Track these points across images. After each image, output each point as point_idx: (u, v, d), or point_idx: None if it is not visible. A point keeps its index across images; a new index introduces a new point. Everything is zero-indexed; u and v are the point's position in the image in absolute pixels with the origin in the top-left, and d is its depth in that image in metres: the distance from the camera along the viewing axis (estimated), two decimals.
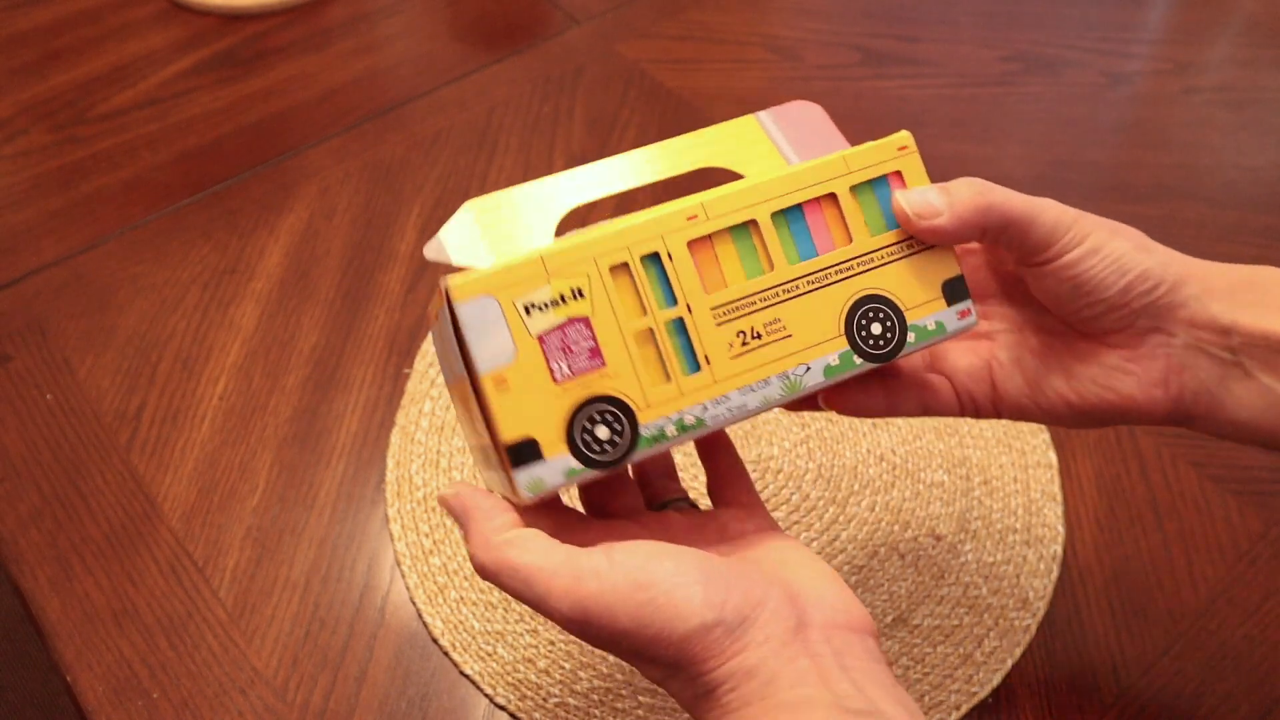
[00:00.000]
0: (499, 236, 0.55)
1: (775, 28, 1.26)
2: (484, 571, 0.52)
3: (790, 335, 0.56)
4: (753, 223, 0.57)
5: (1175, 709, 0.76)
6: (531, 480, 0.52)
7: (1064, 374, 0.63)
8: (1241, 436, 0.61)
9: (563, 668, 0.76)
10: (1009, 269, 0.65)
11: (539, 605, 0.51)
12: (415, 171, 1.08)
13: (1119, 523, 0.84)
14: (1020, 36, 1.25)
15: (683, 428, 0.54)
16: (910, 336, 0.58)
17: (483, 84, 1.18)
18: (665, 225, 0.55)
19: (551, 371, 0.53)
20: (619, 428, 0.53)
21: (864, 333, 0.57)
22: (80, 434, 0.88)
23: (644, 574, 0.50)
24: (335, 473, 0.86)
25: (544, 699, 0.75)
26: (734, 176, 0.59)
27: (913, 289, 0.59)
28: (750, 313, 0.56)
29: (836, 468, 0.86)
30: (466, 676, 0.76)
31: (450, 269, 0.59)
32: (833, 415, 0.89)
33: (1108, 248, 0.58)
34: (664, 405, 0.54)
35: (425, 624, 0.78)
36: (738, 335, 0.55)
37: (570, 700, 0.75)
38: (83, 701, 0.75)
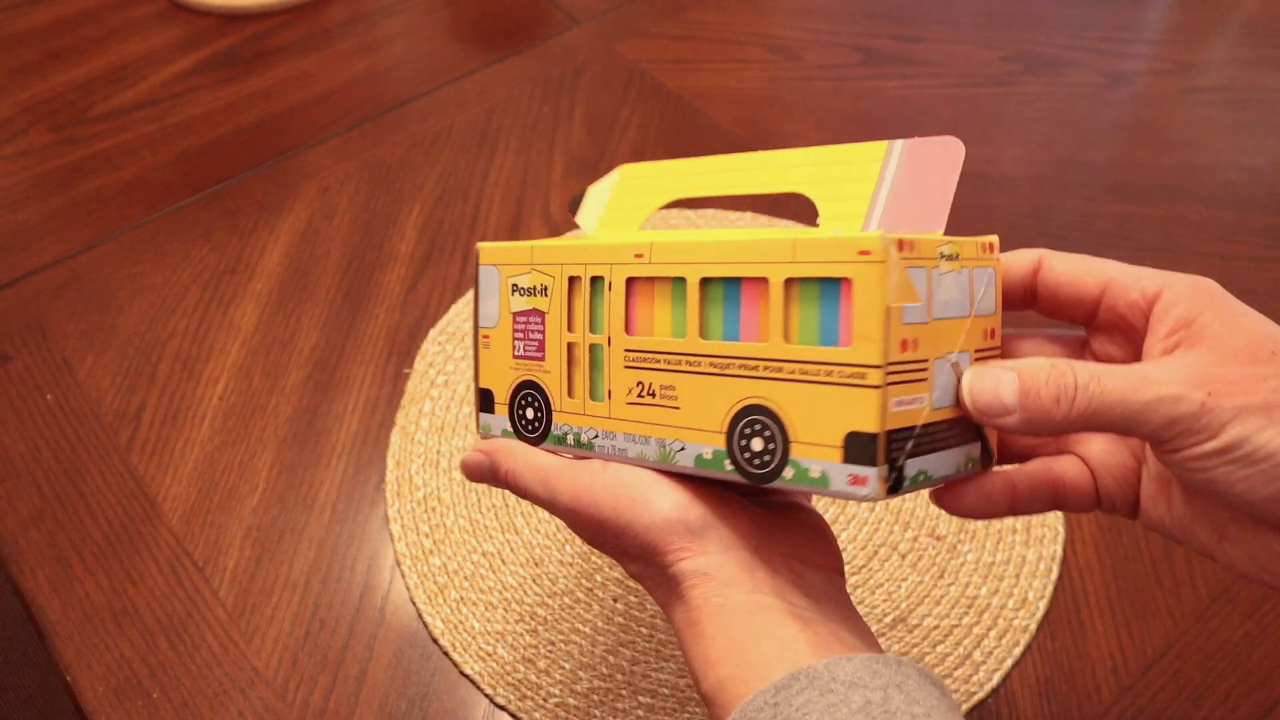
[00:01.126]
0: (618, 205, 0.61)
1: (775, 28, 1.26)
2: (475, 468, 0.61)
3: (678, 408, 0.53)
4: (684, 281, 0.53)
5: (1175, 709, 0.76)
6: (485, 423, 0.63)
7: (1217, 533, 0.49)
8: None
9: (563, 668, 0.76)
10: None
11: (538, 494, 0.58)
12: (415, 171, 1.08)
13: (1119, 522, 0.84)
14: (1020, 36, 1.26)
15: (578, 442, 0.58)
16: (788, 472, 0.49)
17: (483, 84, 1.18)
18: (615, 255, 0.56)
19: (513, 347, 0.60)
20: (540, 415, 0.60)
21: (744, 442, 0.51)
22: (80, 434, 0.88)
23: (629, 476, 0.55)
24: (335, 473, 0.86)
25: (544, 699, 0.75)
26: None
27: (812, 422, 0.49)
28: (653, 369, 0.54)
29: None
30: (466, 676, 0.76)
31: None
32: None
33: (1255, 442, 0.44)
34: (570, 416, 0.58)
35: (425, 624, 0.78)
36: (637, 384, 0.55)
37: (570, 700, 0.75)
38: (83, 701, 0.75)
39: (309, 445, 0.88)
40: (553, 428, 0.59)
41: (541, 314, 0.58)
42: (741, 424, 0.51)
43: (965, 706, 0.75)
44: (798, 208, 1.02)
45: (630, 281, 0.55)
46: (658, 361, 0.54)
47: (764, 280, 0.50)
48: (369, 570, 0.81)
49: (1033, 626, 0.79)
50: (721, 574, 0.52)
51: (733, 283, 0.51)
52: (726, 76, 1.20)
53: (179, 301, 0.97)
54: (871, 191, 0.52)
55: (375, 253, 1.01)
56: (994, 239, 0.51)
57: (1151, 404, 0.44)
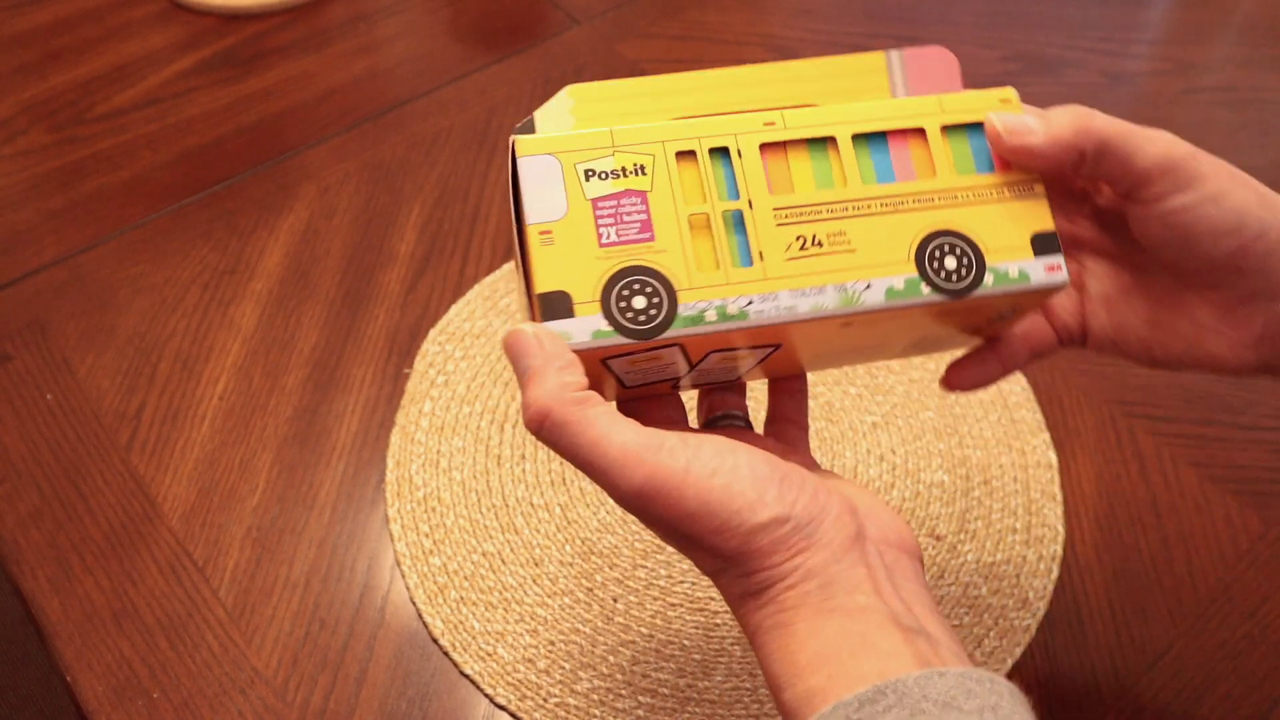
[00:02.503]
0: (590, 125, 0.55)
1: (775, 28, 1.26)
2: (546, 421, 0.50)
3: (855, 250, 0.55)
4: (831, 140, 0.56)
5: (1175, 709, 0.76)
6: (560, 332, 0.52)
7: (1152, 324, 0.60)
8: None
9: (563, 668, 0.76)
10: (1109, 200, 0.61)
11: (604, 472, 0.49)
12: (415, 172, 1.08)
13: (1119, 523, 0.84)
14: (1020, 36, 1.26)
15: (724, 315, 0.53)
16: (988, 278, 0.55)
17: (483, 84, 1.18)
18: (741, 125, 0.55)
19: (599, 234, 0.53)
20: (657, 300, 0.53)
21: (935, 264, 0.55)
22: (80, 434, 0.88)
23: (720, 461, 0.50)
24: (335, 473, 0.86)
25: (544, 699, 0.75)
26: None
27: (997, 233, 0.56)
28: (815, 220, 0.55)
29: (837, 467, 0.86)
30: (467, 676, 0.76)
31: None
32: (831, 415, 0.89)
33: (1231, 197, 0.54)
34: (708, 290, 0.53)
35: (425, 624, 0.78)
36: (797, 239, 0.54)
37: (570, 700, 0.75)
38: (83, 701, 0.75)
39: (309, 445, 0.88)
40: (680, 309, 0.52)
41: (641, 193, 0.53)
42: (931, 248, 0.55)
43: None
44: None
45: (762, 147, 0.55)
46: (819, 213, 0.55)
47: (918, 131, 0.56)
48: (369, 570, 0.81)
49: (1033, 626, 0.79)
50: (824, 573, 0.49)
51: (878, 137, 0.56)
52: None
53: (179, 301, 0.97)
54: (888, 95, 0.58)
55: (375, 253, 1.01)
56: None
57: (1151, 139, 0.54)
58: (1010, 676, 0.77)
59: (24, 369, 0.92)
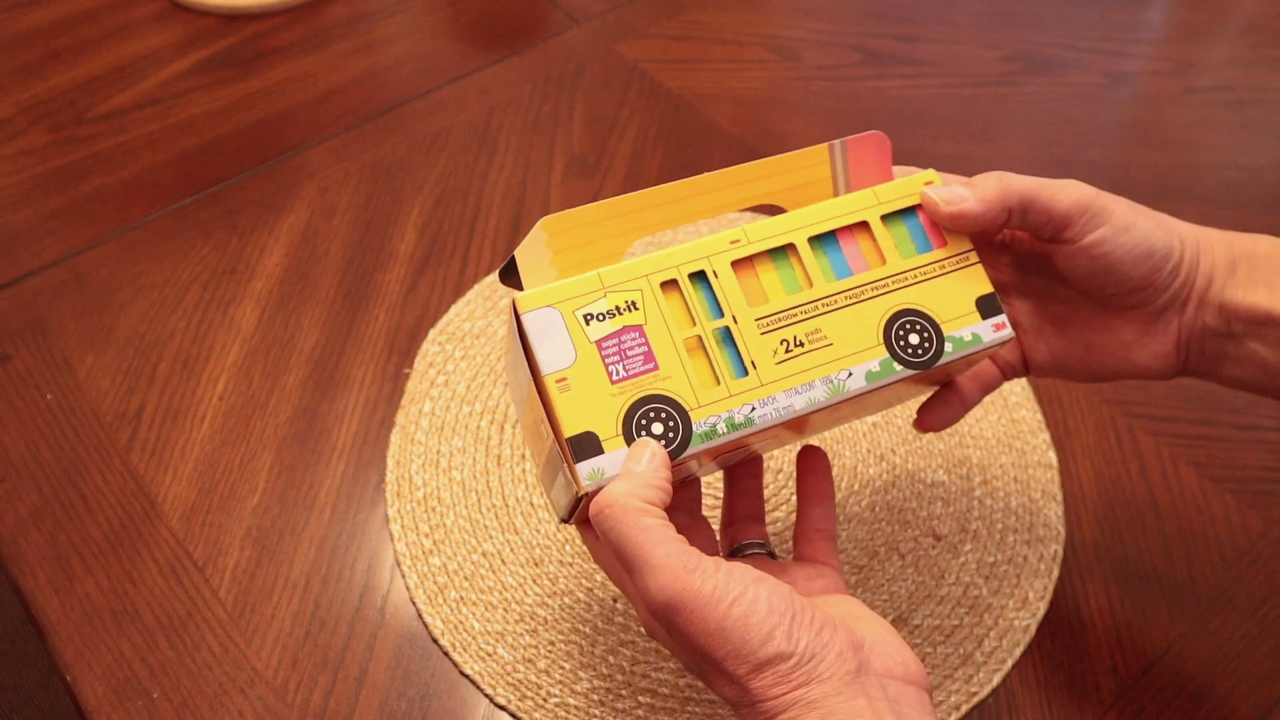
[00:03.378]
0: (568, 262, 0.60)
1: (775, 28, 1.26)
2: (607, 510, 0.55)
3: (832, 344, 0.61)
4: (791, 246, 0.62)
5: (1175, 709, 0.76)
6: (593, 470, 0.57)
7: (1085, 347, 0.68)
8: (1239, 389, 0.67)
9: (563, 668, 0.76)
10: (1027, 247, 0.69)
11: (642, 573, 0.54)
12: (415, 172, 1.08)
13: (1119, 523, 0.84)
14: (1020, 36, 1.26)
15: (733, 425, 0.59)
16: (948, 346, 0.62)
17: (483, 84, 1.18)
18: (710, 248, 0.61)
19: (609, 373, 0.58)
20: (673, 424, 0.58)
21: (902, 342, 0.62)
22: (80, 434, 0.88)
23: (743, 590, 0.53)
24: (335, 473, 0.86)
25: (544, 699, 0.75)
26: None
27: (946, 304, 0.63)
28: (793, 323, 0.61)
29: (837, 468, 0.86)
30: (467, 676, 0.76)
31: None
32: None
33: (1137, 226, 0.62)
34: (715, 405, 0.59)
35: (425, 624, 0.78)
36: (781, 343, 0.60)
37: (570, 700, 0.75)
38: (83, 701, 0.75)
39: (309, 445, 0.88)
40: (694, 428, 0.58)
41: (638, 327, 0.59)
42: (895, 328, 0.62)
43: (965, 707, 0.75)
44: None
45: (732, 264, 0.61)
46: (795, 316, 0.61)
47: (863, 223, 0.63)
48: (369, 570, 0.81)
49: (1033, 627, 0.79)
50: (823, 704, 0.52)
51: (829, 236, 0.63)
52: (726, 77, 1.20)
53: (179, 301, 0.97)
54: (831, 188, 0.65)
55: (375, 253, 1.01)
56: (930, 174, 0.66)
57: (1064, 187, 0.62)
58: (1010, 677, 0.77)
59: (24, 369, 0.92)
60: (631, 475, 0.56)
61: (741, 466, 0.69)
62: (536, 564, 0.81)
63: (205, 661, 0.77)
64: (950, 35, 1.26)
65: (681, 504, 0.65)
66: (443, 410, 0.89)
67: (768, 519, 0.82)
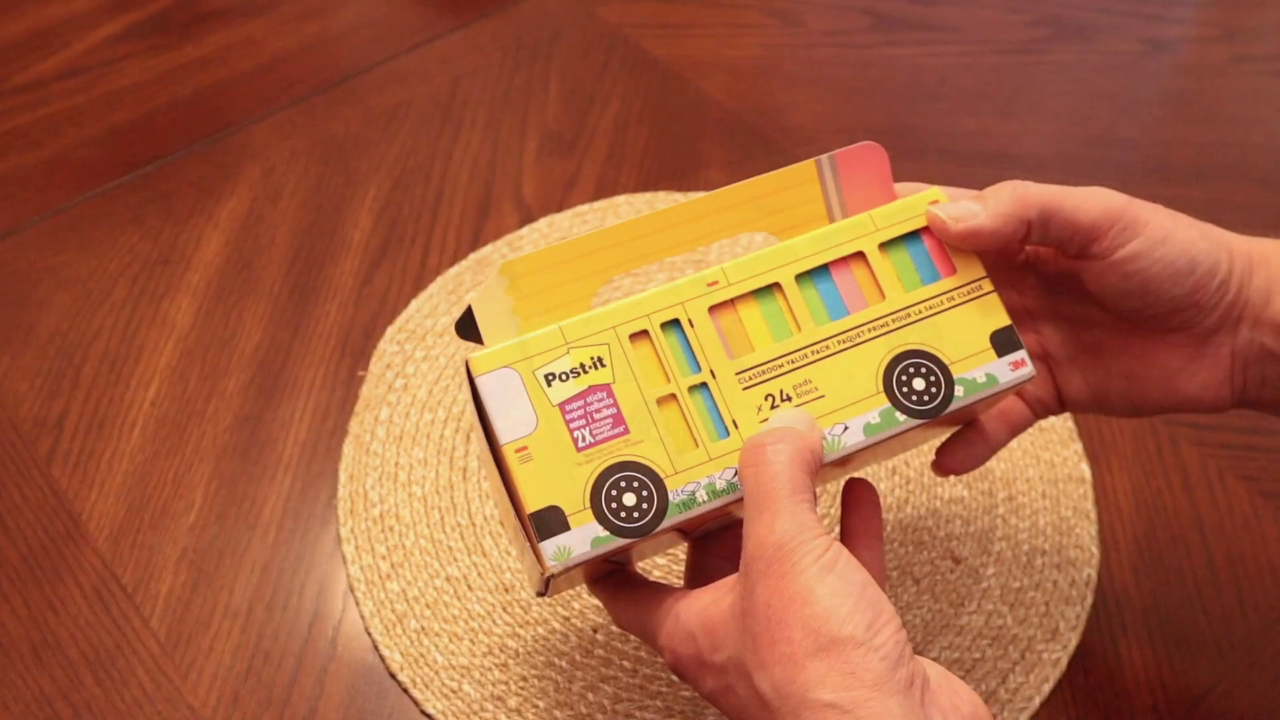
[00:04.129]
0: (533, 309, 0.60)
1: None
2: (781, 447, 0.55)
3: (824, 396, 0.60)
4: (776, 285, 0.61)
5: None
6: (558, 549, 0.56)
7: (1126, 377, 0.66)
8: None
9: (536, 706, 0.76)
10: (1054, 266, 0.67)
11: (767, 510, 0.54)
12: (371, 150, 1.08)
13: (1160, 543, 0.84)
14: None
15: (714, 492, 0.58)
16: (958, 390, 0.61)
17: (446, 52, 1.18)
18: (685, 293, 0.60)
19: (574, 440, 0.57)
20: (646, 494, 0.57)
21: (905, 389, 0.60)
22: None
23: (846, 567, 0.53)
24: (281, 488, 0.86)
25: None
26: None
27: (956, 342, 0.62)
28: (778, 375, 0.60)
29: (840, 495, 0.86)
30: (428, 716, 0.76)
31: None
32: None
33: (1176, 236, 0.60)
34: (693, 470, 0.58)
35: (382, 657, 0.78)
36: (766, 398, 0.59)
37: None
38: None
39: (251, 457, 0.88)
40: (670, 497, 0.57)
41: (605, 386, 0.58)
42: (896, 374, 0.61)
43: None
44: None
45: (711, 310, 0.60)
46: (780, 366, 0.60)
47: (858, 254, 0.62)
48: (319, 597, 0.81)
49: (1064, 660, 0.79)
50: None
51: (821, 271, 0.62)
52: (720, 44, 1.20)
53: (106, 296, 0.97)
54: (823, 209, 0.64)
55: (326, 241, 1.01)
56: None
57: (1088, 195, 0.61)
58: (1038, 715, 0.77)
59: None
60: (812, 435, 0.57)
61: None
62: (507, 590, 0.81)
63: (135, 699, 0.76)
64: None
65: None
66: (401, 417, 0.89)
67: None
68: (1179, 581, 0.83)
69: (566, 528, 0.56)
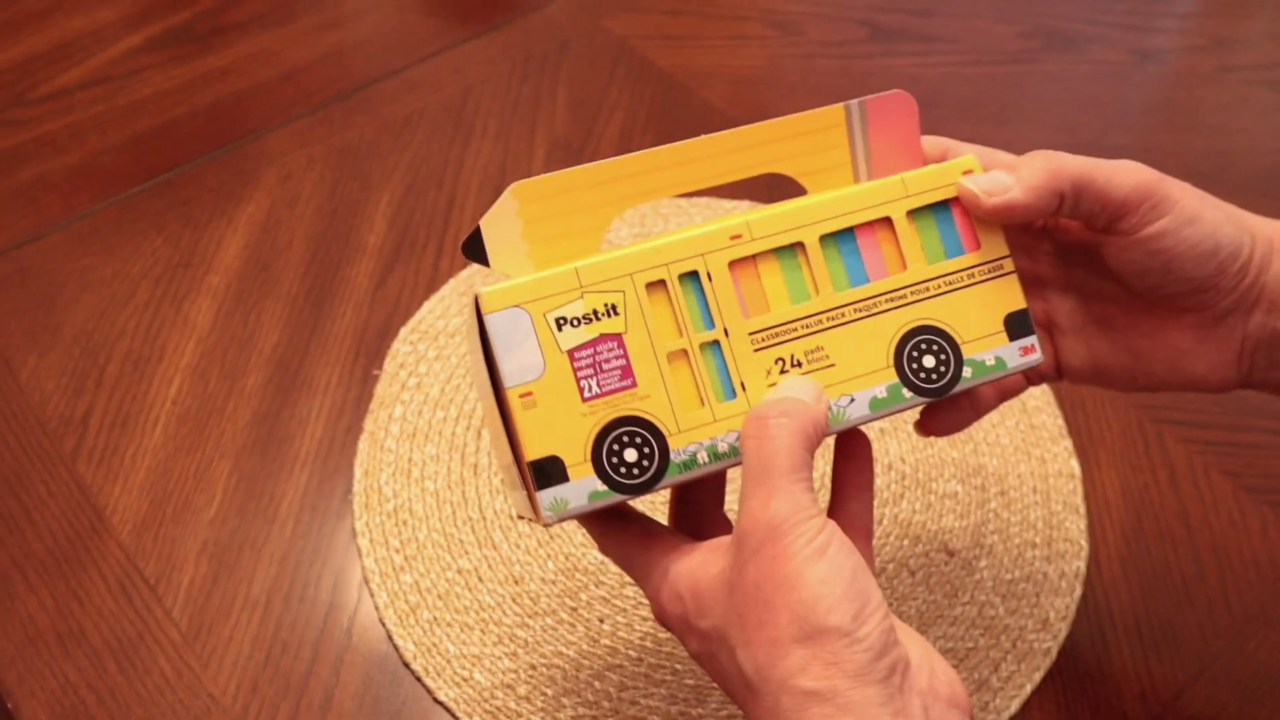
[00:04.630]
0: (542, 235, 0.57)
1: (775, 1, 1.27)
2: (783, 421, 0.54)
3: (834, 365, 0.58)
4: (800, 245, 0.59)
5: None
6: (554, 500, 0.55)
7: (1131, 353, 0.65)
8: None
9: (545, 694, 0.76)
10: (1073, 235, 0.66)
11: (764, 485, 0.52)
12: (385, 157, 1.08)
13: (1147, 537, 0.84)
14: (1040, 10, 1.26)
15: (715, 455, 0.57)
16: (966, 371, 0.60)
17: (458, 62, 1.18)
18: (707, 244, 0.57)
19: (580, 389, 0.55)
20: (648, 451, 0.56)
21: (915, 365, 0.59)
22: (22, 441, 0.88)
23: (837, 553, 0.52)
24: (298, 483, 0.86)
25: None
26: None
27: (971, 321, 0.60)
28: (791, 339, 0.58)
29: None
30: (440, 703, 0.76)
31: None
32: None
33: (1204, 217, 0.59)
34: (697, 430, 0.56)
35: (396, 646, 0.78)
36: (776, 362, 0.57)
37: None
38: None
39: (270, 453, 0.88)
40: (672, 456, 0.56)
41: (617, 336, 0.56)
42: (908, 349, 0.59)
43: None
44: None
45: (731, 265, 0.58)
46: (794, 330, 0.58)
47: (885, 220, 0.60)
48: (335, 588, 0.81)
49: (1054, 649, 0.79)
50: (862, 714, 0.50)
51: (846, 234, 0.59)
52: (722, 54, 1.20)
53: (129, 298, 0.97)
54: (848, 156, 0.62)
55: (342, 245, 1.01)
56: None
57: (1121, 169, 0.59)
58: (1029, 703, 0.77)
59: None
60: (817, 408, 0.55)
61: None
62: (516, 582, 0.81)
63: (157, 687, 0.77)
64: (965, 9, 1.26)
65: (697, 496, 0.63)
66: (415, 415, 0.89)
67: None
68: (1165, 573, 0.83)
69: (565, 479, 0.54)
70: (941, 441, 0.88)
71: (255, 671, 0.77)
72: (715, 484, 0.65)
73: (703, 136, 0.60)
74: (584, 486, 0.55)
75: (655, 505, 0.81)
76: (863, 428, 0.62)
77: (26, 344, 0.94)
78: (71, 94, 1.14)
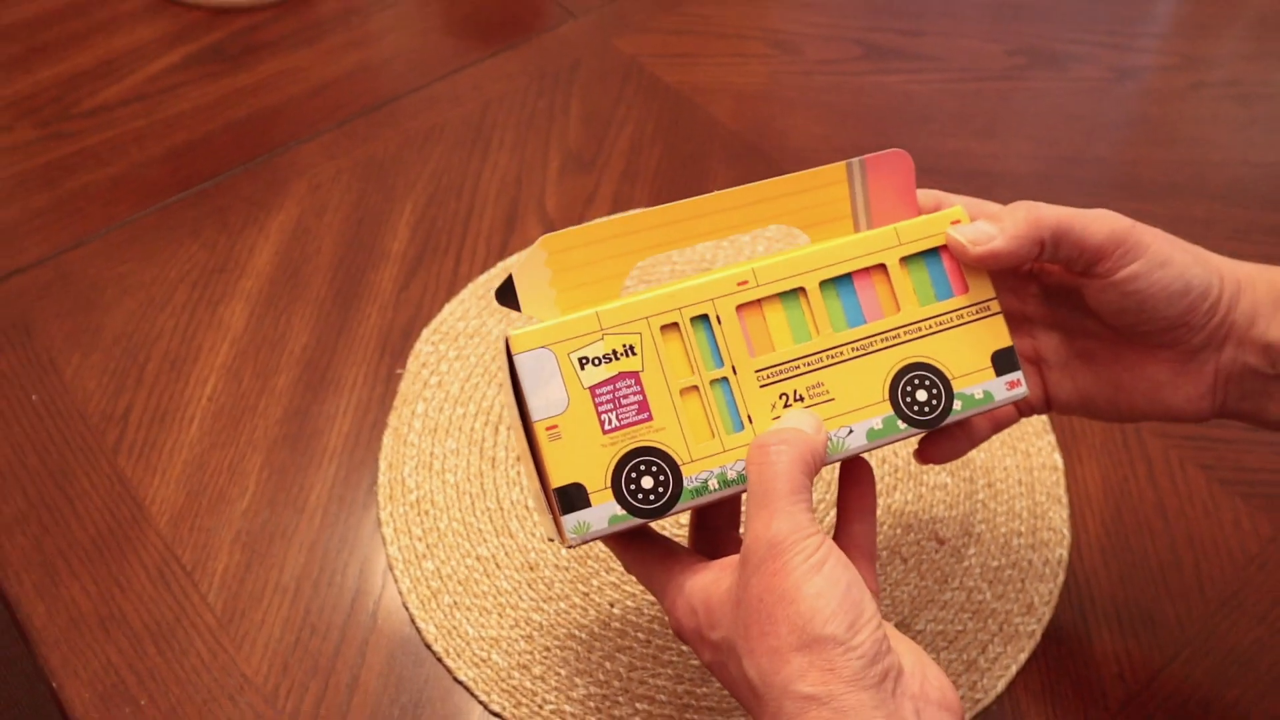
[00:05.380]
0: (568, 282, 0.59)
1: (775, 21, 1.27)
2: (783, 449, 0.55)
3: (833, 399, 0.60)
4: (801, 290, 0.61)
5: (1183, 716, 0.76)
6: (578, 524, 0.57)
7: (1113, 386, 0.67)
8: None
9: (558, 674, 0.76)
10: (1056, 278, 0.68)
11: (766, 508, 0.54)
12: (408, 168, 1.08)
13: (1126, 527, 0.84)
14: (1026, 30, 1.26)
15: (725, 482, 0.58)
16: (956, 404, 0.61)
17: (477, 79, 1.18)
18: (716, 290, 0.59)
19: (601, 422, 0.57)
20: (663, 479, 0.57)
21: (909, 399, 0.61)
22: (66, 436, 0.88)
23: (834, 567, 0.53)
24: (326, 475, 0.86)
25: (539, 706, 0.75)
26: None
27: (960, 358, 0.62)
28: (794, 376, 0.60)
29: (838, 471, 0.86)
30: (460, 683, 0.76)
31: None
32: None
33: (1174, 260, 0.61)
34: (708, 460, 0.58)
35: (418, 629, 0.78)
36: (780, 397, 0.59)
37: (566, 707, 0.75)
38: (69, 709, 0.75)
39: (299, 447, 0.88)
40: (685, 483, 0.57)
41: (634, 374, 0.58)
42: (902, 384, 0.60)
43: (969, 714, 0.75)
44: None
45: (738, 308, 0.59)
46: (797, 368, 0.60)
47: (880, 266, 0.61)
48: (361, 575, 0.81)
49: (1038, 632, 0.79)
50: (857, 717, 0.51)
51: (844, 279, 0.61)
52: (726, 71, 1.20)
53: (167, 301, 0.97)
54: (849, 208, 0.63)
55: (367, 251, 1.01)
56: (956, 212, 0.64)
57: (1096, 218, 0.61)
58: (1015, 683, 0.77)
59: (9, 370, 0.92)
60: (816, 438, 0.57)
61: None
62: (531, 568, 0.81)
63: (194, 668, 0.77)
64: (954, 29, 1.26)
65: (714, 521, 0.64)
66: (436, 412, 0.89)
67: None
68: (1143, 561, 0.82)
69: (588, 504, 0.56)
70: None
71: (286, 653, 0.78)
72: (730, 508, 0.65)
73: (716, 193, 0.61)
74: (605, 511, 0.57)
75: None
76: (866, 456, 0.64)
77: (70, 345, 0.94)
78: (113, 109, 1.14)
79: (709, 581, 0.57)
